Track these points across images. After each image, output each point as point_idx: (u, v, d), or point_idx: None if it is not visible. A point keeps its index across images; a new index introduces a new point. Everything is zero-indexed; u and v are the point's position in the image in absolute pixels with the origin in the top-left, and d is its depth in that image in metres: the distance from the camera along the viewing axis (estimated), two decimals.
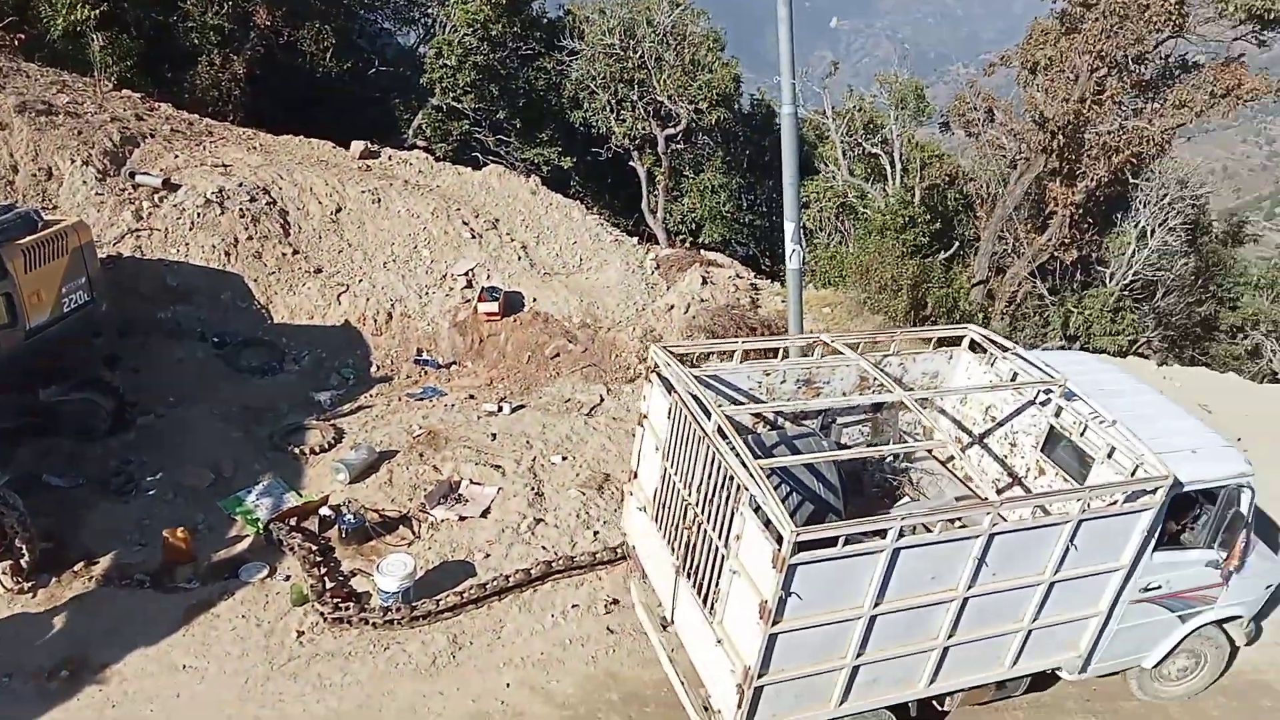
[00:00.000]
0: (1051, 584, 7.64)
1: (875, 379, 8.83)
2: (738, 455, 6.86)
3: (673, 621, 8.26)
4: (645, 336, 15.39)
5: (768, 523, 6.52)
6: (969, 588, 7.27)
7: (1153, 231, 22.93)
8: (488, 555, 10.31)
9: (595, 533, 10.88)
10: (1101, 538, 7.65)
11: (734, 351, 8.88)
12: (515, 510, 10.99)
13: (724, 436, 7.10)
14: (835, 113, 24.79)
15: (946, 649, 7.63)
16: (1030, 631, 7.91)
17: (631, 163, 25.01)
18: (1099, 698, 9.33)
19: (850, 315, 16.97)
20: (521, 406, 13.62)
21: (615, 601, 9.91)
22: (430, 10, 26.99)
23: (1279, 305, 27.99)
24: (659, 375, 8.29)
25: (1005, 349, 9.21)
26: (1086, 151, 20.94)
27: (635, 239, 19.83)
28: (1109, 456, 8.19)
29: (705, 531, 7.44)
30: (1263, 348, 27.70)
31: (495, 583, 9.73)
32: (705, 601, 7.48)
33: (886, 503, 9.22)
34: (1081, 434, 8.53)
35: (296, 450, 11.80)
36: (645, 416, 8.62)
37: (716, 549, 7.26)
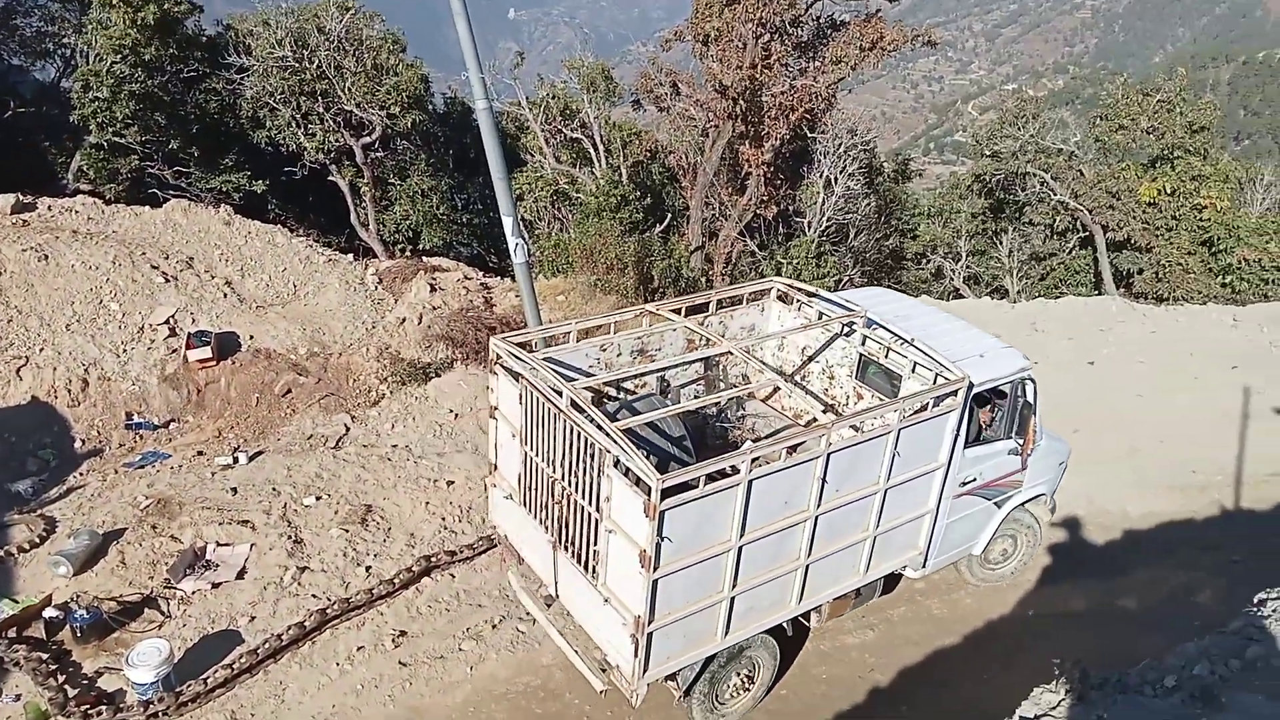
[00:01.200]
0: (886, 491, 8.52)
1: (701, 338, 9.54)
2: (595, 423, 7.30)
3: (557, 596, 8.60)
4: (381, 355, 14.78)
5: (636, 480, 6.99)
6: (818, 506, 8.00)
7: (836, 179, 25.13)
8: (253, 618, 9.51)
9: (367, 568, 10.33)
10: (919, 442, 8.61)
11: (569, 333, 9.29)
12: (274, 564, 10.19)
13: (578, 409, 7.55)
14: (530, 103, 24.94)
15: (808, 566, 8.34)
16: (876, 538, 8.80)
17: (331, 178, 23.83)
18: (872, 610, 10.14)
19: (584, 300, 17.22)
20: (260, 453, 12.64)
21: (403, 634, 9.48)
22: (66, 39, 24.14)
23: (949, 229, 31.75)
24: (503, 366, 8.64)
25: (810, 293, 10.11)
26: (767, 113, 22.47)
27: (350, 256, 18.95)
28: (913, 371, 9.21)
29: (575, 502, 7.83)
30: (943, 269, 31.33)
31: (267, 645, 8.98)
32: (587, 568, 7.88)
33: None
34: (886, 356, 9.54)
35: (1, 552, 10.27)
36: (496, 408, 8.94)
37: (589, 515, 7.68)
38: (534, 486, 8.56)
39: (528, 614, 9.59)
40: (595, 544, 7.69)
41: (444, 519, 11.53)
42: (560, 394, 7.74)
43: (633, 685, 7.69)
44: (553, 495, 8.22)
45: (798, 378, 10.71)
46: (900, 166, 35.06)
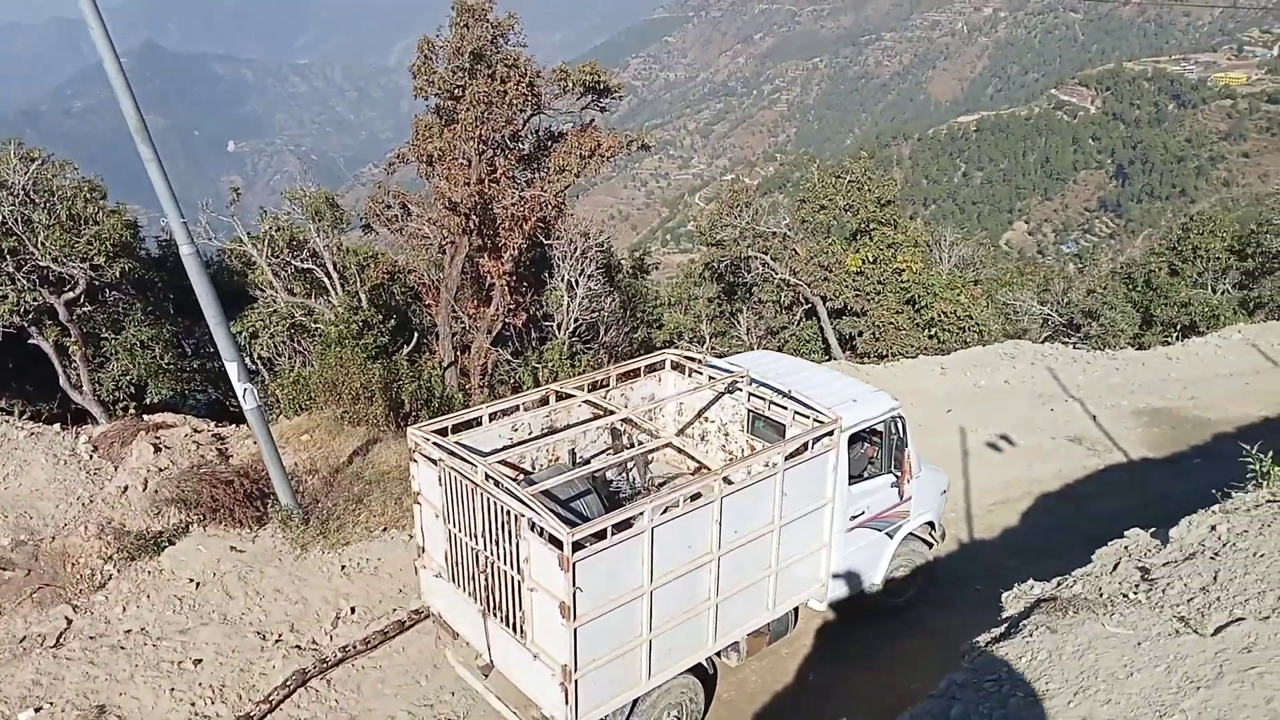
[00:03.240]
0: (780, 529, 9.42)
1: (603, 409, 10.57)
2: (509, 492, 8.11)
3: (492, 664, 9.15)
4: (103, 531, 13.22)
5: (550, 538, 7.70)
6: (719, 548, 8.82)
7: (577, 281, 25.84)
8: None
9: None
10: (805, 482, 9.62)
11: (480, 418, 10.20)
12: None
13: (493, 481, 8.35)
14: (253, 238, 23.94)
15: (718, 605, 9.10)
16: (778, 573, 9.63)
17: (33, 340, 21.48)
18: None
19: (332, 435, 16.40)
20: None
21: None
22: None
23: (690, 315, 33.43)
24: (422, 454, 9.38)
25: (699, 360, 11.39)
26: (501, 225, 22.88)
27: (58, 425, 17.05)
28: (795, 419, 10.37)
29: (499, 568, 8.53)
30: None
31: None
32: (515, 629, 8.52)
33: None
34: (769, 409, 10.70)
35: None
36: (419, 494, 9.66)
37: (512, 578, 8.37)
38: (460, 561, 9.18)
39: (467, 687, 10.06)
40: (520, 605, 8.32)
41: (194, 704, 10.41)
42: (475, 469, 8.53)
43: None
44: (478, 565, 8.84)
45: (697, 436, 11.87)
46: (638, 261, 36.69)
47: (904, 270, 28.75)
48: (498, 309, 24.40)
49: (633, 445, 11.14)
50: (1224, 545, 6.60)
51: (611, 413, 10.40)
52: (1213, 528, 6.98)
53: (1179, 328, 27.42)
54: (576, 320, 26.70)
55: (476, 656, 9.43)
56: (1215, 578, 6.13)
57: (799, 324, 31.67)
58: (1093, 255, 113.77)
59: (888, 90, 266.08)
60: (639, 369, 11.71)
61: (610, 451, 11.23)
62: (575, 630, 7.76)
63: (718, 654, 9.65)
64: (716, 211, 32.06)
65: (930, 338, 28.22)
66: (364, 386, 17.20)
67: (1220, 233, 31.41)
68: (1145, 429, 18.26)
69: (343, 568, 13.01)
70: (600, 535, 7.77)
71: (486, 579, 8.72)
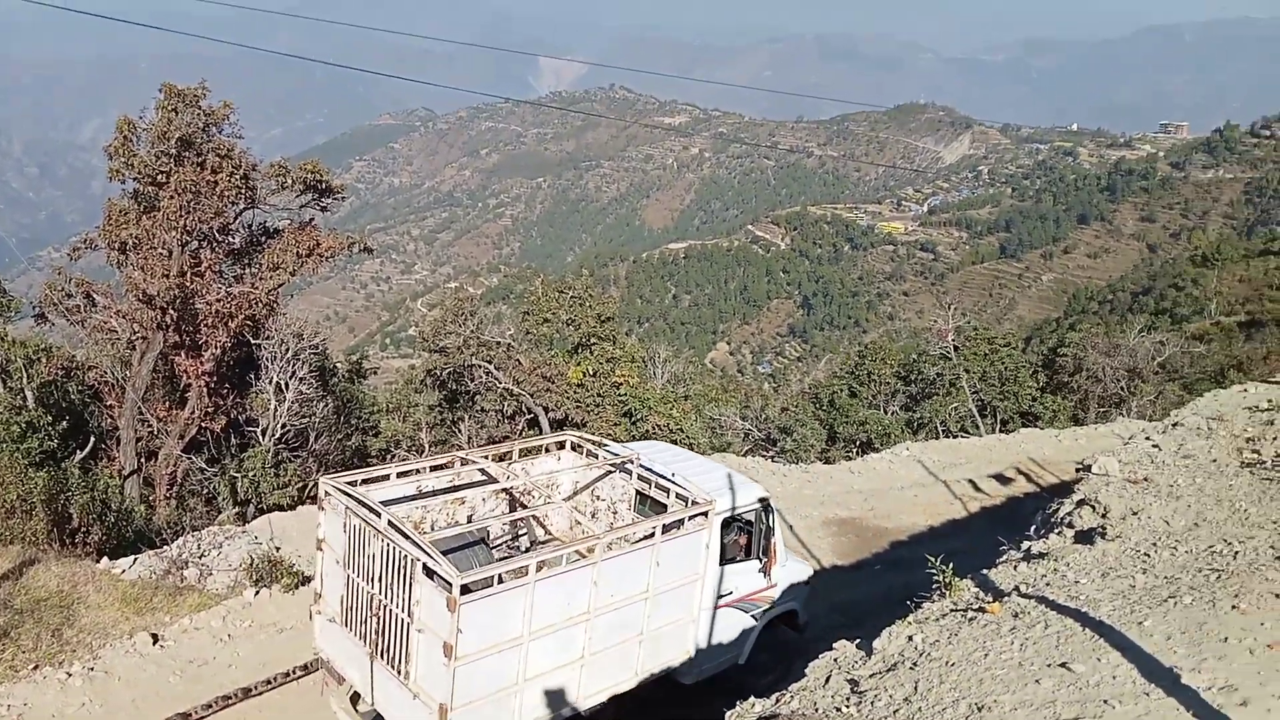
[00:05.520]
0: (652, 597, 10.12)
1: (505, 475, 11.38)
2: (408, 538, 8.73)
3: (373, 705, 9.54)
4: None
5: (441, 580, 8.31)
6: (595, 609, 9.50)
7: (287, 385, 24.35)
8: None
9: None
10: (679, 556, 10.43)
11: (388, 474, 10.89)
12: None
13: (395, 529, 8.96)
14: None
15: (590, 661, 9.69)
16: (646, 638, 10.27)
17: None
18: None
19: None
20: None
21: None
22: None
23: (409, 423, 32.43)
24: (330, 501, 9.95)
25: (596, 443, 12.29)
26: (203, 321, 21.22)
27: None
28: (675, 500, 11.14)
29: (390, 611, 9.01)
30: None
31: None
32: (399, 670, 8.96)
33: None
34: (653, 489, 11.56)
35: None
36: (323, 540, 10.18)
37: (401, 621, 8.87)
38: (354, 605, 9.67)
39: None
40: (408, 647, 8.79)
41: None
42: (379, 516, 9.11)
43: None
44: (371, 609, 9.34)
45: (588, 513, 12.66)
46: (355, 365, 35.38)
47: (622, 384, 29.91)
48: (193, 412, 22.37)
49: (529, 517, 12.17)
50: (920, 655, 7.22)
51: (500, 479, 11.22)
52: (910, 638, 7.63)
53: (859, 444, 30.59)
54: (285, 426, 25.02)
55: (360, 703, 9.94)
56: (916, 688, 6.66)
57: (520, 433, 31.76)
58: (785, 375, 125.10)
59: (606, 214, 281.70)
60: (542, 446, 12.79)
61: (508, 522, 12.11)
62: (455, 670, 8.26)
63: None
64: (441, 318, 31.81)
65: None
66: (21, 498, 14.90)
67: (889, 360, 35.80)
68: (835, 538, 19.92)
69: None
70: (487, 584, 8.48)
71: (378, 622, 9.23)
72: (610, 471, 12.35)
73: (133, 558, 15.60)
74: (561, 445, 12.91)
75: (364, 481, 10.47)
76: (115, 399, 22.36)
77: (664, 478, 11.51)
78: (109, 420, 23.05)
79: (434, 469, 11.51)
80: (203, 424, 22.59)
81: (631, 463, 11.91)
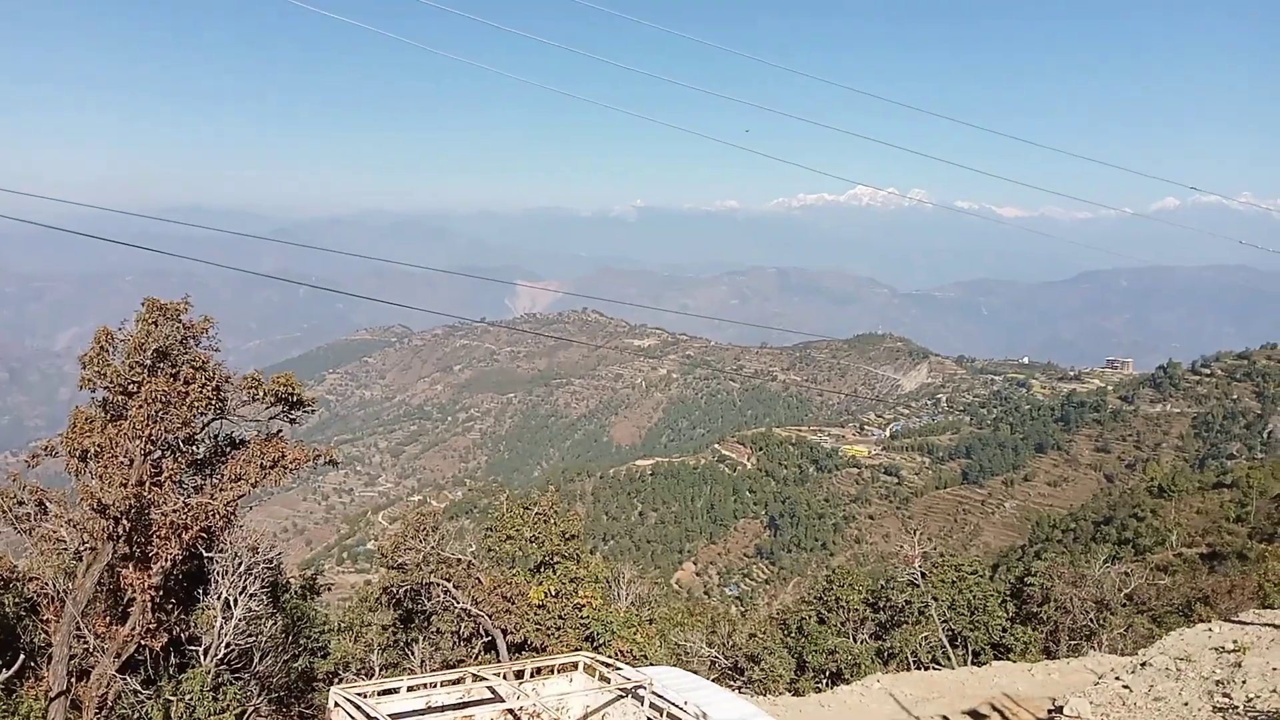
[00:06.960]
0: None
1: (515, 698, 11.57)
2: None
3: None
4: None
5: None
6: None
7: (236, 600, 23.44)
8: None
9: None
10: None
11: (399, 688, 11.30)
12: None
13: None
14: None
15: None
16: None
17: None
18: None
19: None
20: None
21: None
22: None
23: (361, 644, 31.03)
24: (343, 711, 10.28)
25: (610, 665, 12.31)
26: (156, 532, 20.69)
27: None
28: None
29: None
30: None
31: None
32: None
33: None
34: (664, 718, 11.43)
35: None
36: None
37: None
38: None
39: None
40: None
41: None
42: None
43: None
44: None
45: None
46: (309, 581, 34.22)
47: (584, 606, 29.08)
48: (134, 628, 21.30)
49: None
50: None
51: (508, 700, 11.58)
52: None
53: (828, 674, 29.57)
54: (229, 645, 23.83)
55: None
56: None
57: (476, 657, 30.41)
58: (752, 598, 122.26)
59: (575, 429, 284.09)
60: (554, 666, 12.94)
61: None
62: None
63: None
64: (401, 533, 31.20)
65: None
66: None
67: (857, 586, 35.29)
68: None
69: None
70: None
71: None
72: (621, 696, 12.29)
73: None
74: (575, 666, 13.05)
75: (379, 693, 10.92)
76: (53, 613, 21.31)
77: (678, 706, 11.50)
78: (43, 635, 21.86)
79: (445, 684, 11.93)
80: (142, 641, 21.47)
81: (644, 688, 11.88)
